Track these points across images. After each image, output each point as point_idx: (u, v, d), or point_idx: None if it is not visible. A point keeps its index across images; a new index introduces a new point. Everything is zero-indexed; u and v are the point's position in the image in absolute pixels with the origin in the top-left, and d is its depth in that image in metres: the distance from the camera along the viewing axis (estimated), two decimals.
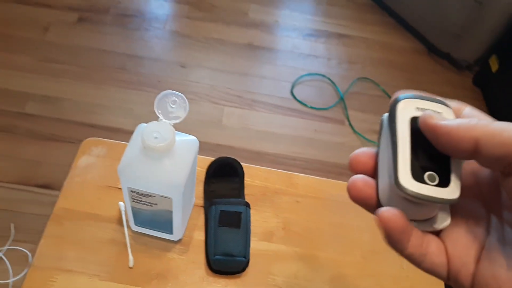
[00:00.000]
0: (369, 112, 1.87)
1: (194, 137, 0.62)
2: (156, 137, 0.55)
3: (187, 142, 0.60)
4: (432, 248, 0.27)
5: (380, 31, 2.18)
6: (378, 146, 0.29)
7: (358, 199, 0.28)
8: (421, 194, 0.25)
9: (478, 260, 0.26)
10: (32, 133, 1.57)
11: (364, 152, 0.29)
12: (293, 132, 1.80)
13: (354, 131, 1.80)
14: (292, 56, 2.05)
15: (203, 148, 1.72)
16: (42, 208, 1.39)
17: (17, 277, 1.20)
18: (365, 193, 0.28)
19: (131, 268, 0.68)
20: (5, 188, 1.41)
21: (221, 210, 0.69)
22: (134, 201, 0.62)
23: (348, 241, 0.74)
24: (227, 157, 0.75)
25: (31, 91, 1.68)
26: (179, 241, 0.70)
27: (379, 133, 0.30)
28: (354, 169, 0.29)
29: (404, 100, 0.27)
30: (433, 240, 0.27)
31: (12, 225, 1.31)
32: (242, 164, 0.77)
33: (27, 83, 1.70)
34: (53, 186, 1.45)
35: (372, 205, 0.28)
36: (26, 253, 1.27)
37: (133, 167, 0.57)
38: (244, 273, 0.69)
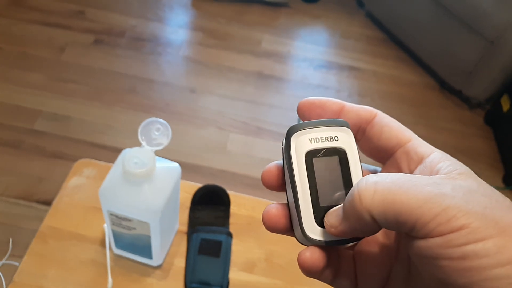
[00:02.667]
0: None
1: (177, 164, 0.62)
2: (136, 163, 0.55)
3: (169, 168, 0.61)
4: (343, 269, 0.28)
5: (391, 65, 2.19)
6: (283, 165, 0.28)
7: (272, 230, 0.28)
8: (330, 242, 0.26)
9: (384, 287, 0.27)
10: (38, 149, 1.60)
11: (271, 167, 0.29)
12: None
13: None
14: (302, 86, 2.06)
15: (206, 173, 1.74)
16: (41, 224, 1.40)
17: None
18: (280, 224, 0.27)
19: None
20: (7, 202, 1.44)
21: (202, 238, 0.69)
22: (114, 224, 0.62)
23: None
24: (214, 184, 0.76)
25: (42, 108, 1.72)
26: (159, 266, 0.70)
27: (282, 152, 0.28)
28: (265, 182, 0.29)
29: (295, 134, 0.26)
30: (345, 261, 0.28)
31: (10, 240, 1.33)
32: (230, 192, 0.77)
33: (38, 101, 1.75)
34: None
35: (287, 230, 0.28)
36: None
37: (112, 191, 0.58)
38: None
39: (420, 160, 0.25)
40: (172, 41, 2.15)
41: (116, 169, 0.59)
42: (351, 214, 0.23)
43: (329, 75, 2.12)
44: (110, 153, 1.65)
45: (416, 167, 0.25)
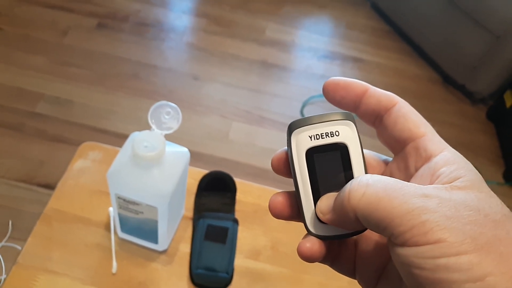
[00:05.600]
0: (375, 136, 1.85)
1: (186, 149, 0.62)
2: (146, 146, 0.55)
3: (178, 153, 0.61)
4: (343, 253, 0.29)
5: (395, 57, 2.18)
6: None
7: (278, 217, 0.29)
8: (331, 236, 0.26)
9: (379, 278, 0.27)
10: (40, 132, 1.59)
11: (279, 154, 0.29)
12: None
13: None
14: (305, 76, 2.05)
15: (208, 161, 1.74)
16: (41, 207, 1.40)
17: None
18: (285, 211, 0.28)
19: (114, 274, 0.67)
20: (8, 185, 1.43)
21: (208, 224, 0.68)
22: (121, 208, 0.62)
23: None
24: (220, 171, 0.75)
25: (44, 91, 1.71)
26: (164, 251, 0.70)
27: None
28: (275, 169, 0.29)
29: (296, 131, 0.26)
30: (345, 246, 0.29)
31: (10, 222, 1.32)
32: (236, 179, 0.77)
33: (40, 84, 1.73)
34: (55, 186, 1.46)
35: (292, 217, 0.28)
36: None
37: (121, 174, 0.57)
38: None
39: (428, 159, 0.25)
40: (175, 27, 2.13)
41: (124, 152, 0.58)
42: (338, 208, 0.24)
43: (333, 65, 2.11)
44: (112, 138, 1.64)
45: (422, 165, 0.25)
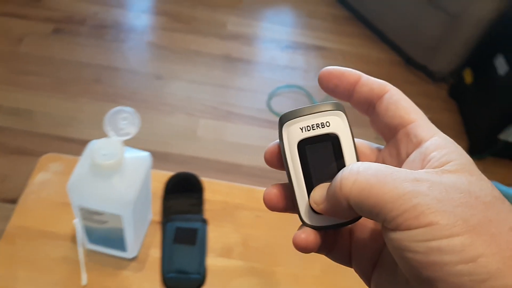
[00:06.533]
0: None
1: (147, 153, 0.61)
2: (104, 154, 0.54)
3: (139, 158, 0.59)
4: (339, 242, 0.29)
5: (357, 43, 2.20)
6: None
7: (273, 209, 0.29)
8: (326, 226, 0.27)
9: (374, 265, 0.28)
10: (0, 145, 1.54)
11: (272, 147, 0.29)
12: (268, 144, 1.79)
13: None
14: (269, 68, 2.05)
15: (177, 160, 1.72)
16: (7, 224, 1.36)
17: None
18: (279, 204, 0.28)
19: (84, 286, 0.66)
20: None
21: (177, 227, 0.68)
22: (85, 219, 0.60)
23: (307, 255, 0.73)
24: (185, 172, 0.75)
25: (2, 102, 1.66)
26: (134, 258, 0.69)
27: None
28: (268, 162, 0.29)
29: (286, 124, 0.27)
30: (341, 235, 0.29)
31: None
32: (203, 178, 0.76)
33: None
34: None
35: (287, 209, 0.29)
36: None
37: (81, 185, 0.56)
38: None
39: (419, 144, 0.25)
40: (135, 27, 2.09)
41: (83, 162, 0.57)
42: (331, 197, 0.25)
43: (296, 55, 2.12)
44: (78, 146, 1.59)
45: (413, 151, 0.26)
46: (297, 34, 2.22)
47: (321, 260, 0.73)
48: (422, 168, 0.24)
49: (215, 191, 0.78)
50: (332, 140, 0.27)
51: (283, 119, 0.27)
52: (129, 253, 0.67)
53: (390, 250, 0.23)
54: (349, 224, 0.27)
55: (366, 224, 0.29)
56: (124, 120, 0.56)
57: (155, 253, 0.70)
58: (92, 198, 0.56)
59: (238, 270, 0.71)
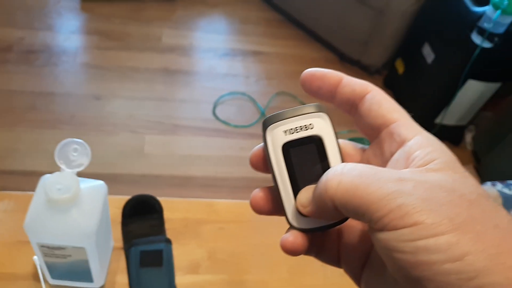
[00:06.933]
0: None
1: (102, 182, 0.60)
2: (59, 189, 0.53)
3: (95, 187, 0.59)
4: (327, 243, 0.29)
5: (292, 44, 2.26)
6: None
7: (260, 213, 0.29)
8: (313, 228, 0.27)
9: (364, 265, 0.28)
10: None
11: (256, 151, 0.29)
12: (219, 152, 1.80)
13: None
14: (210, 77, 2.06)
15: (127, 180, 1.69)
16: None
17: None
18: (266, 207, 0.29)
19: None
20: None
21: (140, 251, 0.67)
22: (46, 256, 0.59)
23: (274, 259, 0.75)
24: (142, 194, 0.74)
25: None
26: (102, 287, 0.68)
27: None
28: (253, 166, 0.29)
29: (270, 127, 0.27)
30: (329, 236, 0.29)
31: None
32: (160, 198, 0.76)
33: None
34: None
35: (274, 212, 0.29)
36: None
37: (39, 222, 0.54)
38: None
39: (402, 143, 0.25)
40: (66, 49, 2.03)
41: (38, 198, 0.56)
42: (317, 199, 0.25)
43: (235, 62, 2.14)
44: (21, 177, 1.54)
45: (397, 150, 0.26)
46: (233, 41, 2.24)
47: (287, 262, 0.75)
48: (406, 167, 0.24)
49: (174, 209, 0.78)
50: (316, 142, 0.27)
51: (267, 123, 0.27)
52: (96, 283, 0.66)
53: (377, 251, 0.23)
54: (336, 225, 0.27)
55: (354, 225, 0.29)
56: (75, 152, 0.55)
57: (122, 279, 0.69)
58: (52, 234, 0.55)
59: (207, 284, 0.72)
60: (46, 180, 0.53)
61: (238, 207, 0.81)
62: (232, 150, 1.81)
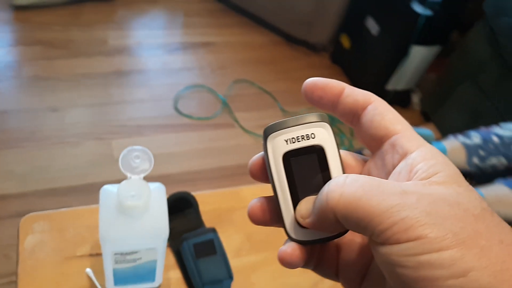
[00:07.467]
0: (253, 110, 1.98)
1: (160, 183, 0.63)
2: (133, 195, 0.55)
3: (156, 189, 0.61)
4: (326, 257, 0.29)
5: (238, 32, 2.30)
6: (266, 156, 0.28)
7: (258, 223, 0.29)
8: (312, 240, 0.26)
9: (362, 280, 0.28)
10: None
11: (256, 160, 0.29)
12: (188, 147, 1.82)
13: (245, 131, 1.89)
14: (165, 73, 2.06)
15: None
16: None
17: None
18: (264, 217, 0.28)
19: None
20: None
21: (194, 244, 0.71)
22: (117, 263, 0.61)
23: None
24: (178, 192, 0.77)
25: None
26: (160, 286, 0.71)
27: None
28: (252, 175, 0.29)
29: (271, 136, 0.27)
30: (328, 250, 0.29)
31: None
32: (194, 193, 0.79)
33: None
34: None
35: (272, 223, 0.29)
36: None
37: (115, 231, 0.56)
38: None
39: (405, 155, 0.25)
40: (9, 64, 1.93)
41: (105, 209, 0.57)
42: (318, 211, 0.24)
43: (186, 55, 2.15)
44: None
45: (399, 162, 0.25)
46: (180, 35, 2.24)
47: None
48: (409, 180, 0.24)
49: (205, 203, 0.81)
50: (317, 152, 0.26)
51: (268, 131, 0.27)
52: (157, 282, 0.68)
53: (378, 265, 0.23)
54: (336, 238, 0.27)
55: (353, 239, 0.28)
56: (137, 159, 0.57)
57: (175, 274, 0.73)
58: (128, 241, 0.57)
59: (253, 264, 0.76)
60: (118, 189, 0.55)
61: (262, 190, 0.86)
62: (202, 143, 1.84)
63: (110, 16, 2.20)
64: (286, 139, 0.26)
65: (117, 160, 1.78)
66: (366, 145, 0.28)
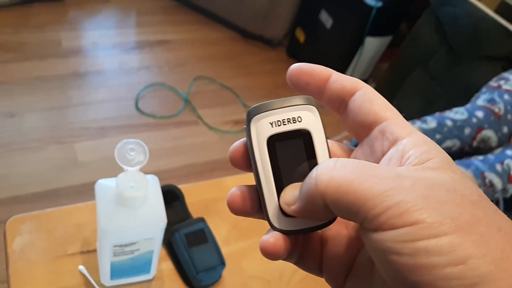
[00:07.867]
0: (216, 106, 2.00)
1: (153, 175, 0.64)
2: (132, 186, 0.56)
3: (151, 180, 0.63)
4: (309, 250, 0.27)
5: (194, 29, 2.31)
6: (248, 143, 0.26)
7: (238, 213, 0.27)
8: (297, 230, 0.25)
9: (347, 274, 0.26)
10: None
11: (238, 146, 0.27)
12: (154, 146, 1.81)
13: (210, 128, 1.91)
14: (123, 73, 2.03)
15: (69, 193, 1.63)
16: None
17: None
18: (245, 207, 0.27)
19: None
20: None
21: (185, 234, 0.73)
22: (115, 256, 0.62)
23: None
24: (164, 185, 0.78)
25: None
26: (154, 278, 0.72)
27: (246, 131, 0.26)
28: (233, 162, 0.27)
29: (255, 118, 0.25)
30: (312, 242, 0.27)
31: None
32: (179, 186, 0.81)
33: None
34: None
35: (254, 213, 0.27)
36: None
37: (115, 224, 0.57)
38: (221, 280, 0.75)
39: (395, 141, 0.24)
40: None
41: (102, 203, 0.59)
42: (305, 196, 0.23)
43: (143, 54, 2.13)
44: None
45: (389, 149, 0.24)
46: (135, 34, 2.22)
47: None
48: (400, 166, 0.23)
49: (191, 194, 0.83)
50: (303, 137, 0.25)
51: (252, 113, 0.25)
52: (151, 273, 0.70)
53: (370, 254, 0.21)
54: (322, 227, 0.25)
55: (339, 231, 0.27)
56: (131, 151, 0.59)
57: (167, 265, 0.74)
58: (128, 232, 0.59)
59: (242, 251, 0.79)
60: (117, 181, 0.57)
61: (245, 179, 0.89)
62: (166, 142, 1.84)
63: (61, 16, 2.15)
64: (271, 122, 0.25)
65: (81, 164, 1.75)
66: (352, 133, 0.27)
